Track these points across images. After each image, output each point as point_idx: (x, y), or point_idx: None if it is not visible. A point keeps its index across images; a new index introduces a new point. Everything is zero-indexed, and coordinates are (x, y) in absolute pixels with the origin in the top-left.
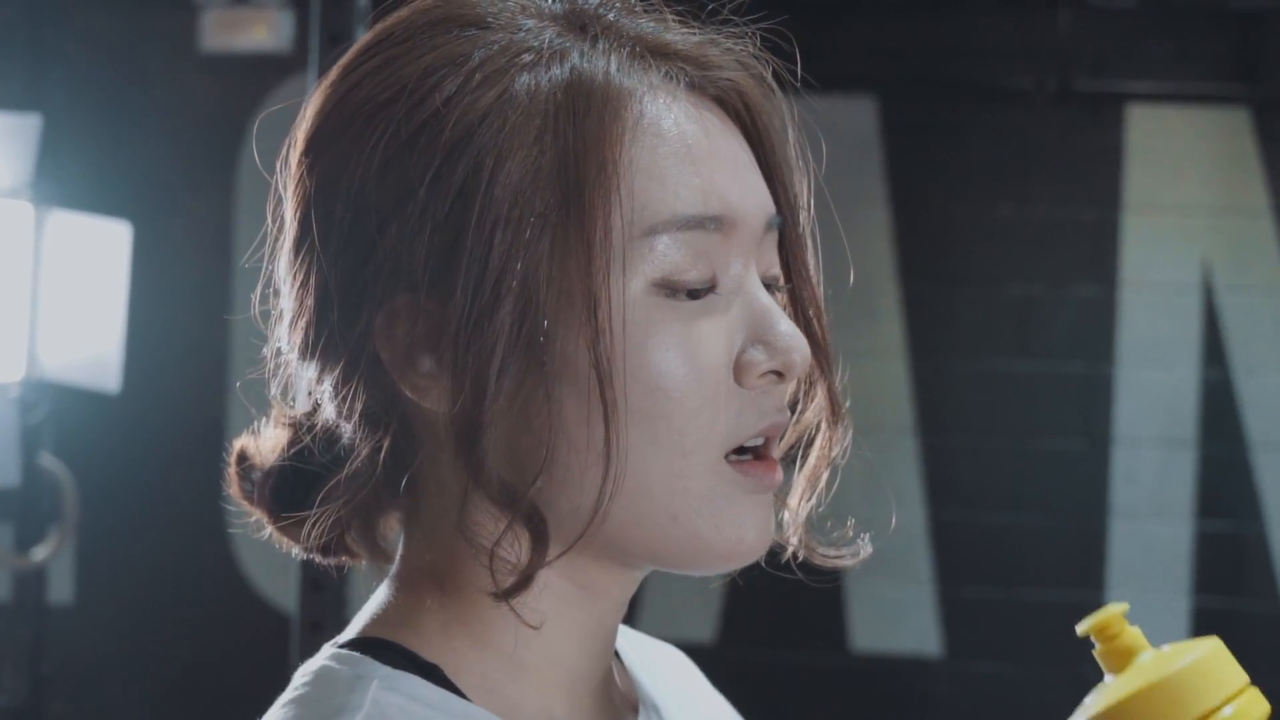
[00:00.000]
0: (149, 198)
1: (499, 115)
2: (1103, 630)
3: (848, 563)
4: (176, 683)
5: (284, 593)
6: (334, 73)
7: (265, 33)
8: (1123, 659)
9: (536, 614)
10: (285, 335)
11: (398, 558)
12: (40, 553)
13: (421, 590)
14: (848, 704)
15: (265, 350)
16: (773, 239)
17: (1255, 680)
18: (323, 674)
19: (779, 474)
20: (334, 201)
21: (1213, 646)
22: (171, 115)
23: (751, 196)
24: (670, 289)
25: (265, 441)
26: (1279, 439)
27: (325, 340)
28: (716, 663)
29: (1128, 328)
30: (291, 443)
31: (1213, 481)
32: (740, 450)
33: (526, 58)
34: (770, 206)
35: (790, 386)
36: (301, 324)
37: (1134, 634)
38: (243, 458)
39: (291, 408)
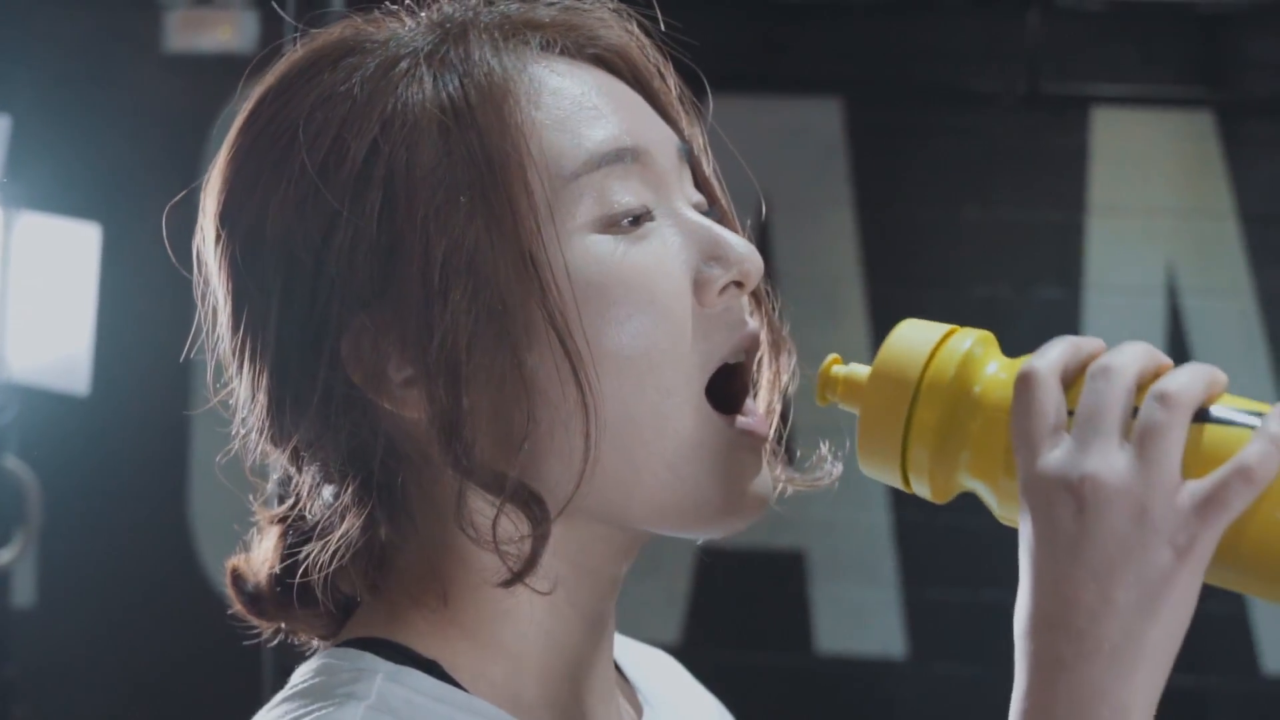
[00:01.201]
0: (118, 200)
1: (396, 122)
2: (826, 385)
3: (823, 483)
4: (139, 686)
5: None
6: (224, 150)
7: (230, 33)
8: (857, 391)
9: (547, 582)
10: (246, 411)
11: (382, 570)
12: (4, 556)
13: (413, 594)
14: (813, 705)
15: (232, 431)
16: (688, 171)
17: (1222, 685)
18: (325, 669)
19: (766, 424)
20: (263, 257)
21: (903, 321)
22: (138, 116)
23: (656, 129)
24: (608, 224)
25: (257, 554)
26: None
27: (293, 394)
28: (681, 664)
29: (1092, 330)
30: (283, 536)
31: None
32: (727, 407)
33: (405, 65)
34: (676, 139)
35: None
36: (264, 384)
37: (852, 368)
38: (237, 577)
39: (271, 506)
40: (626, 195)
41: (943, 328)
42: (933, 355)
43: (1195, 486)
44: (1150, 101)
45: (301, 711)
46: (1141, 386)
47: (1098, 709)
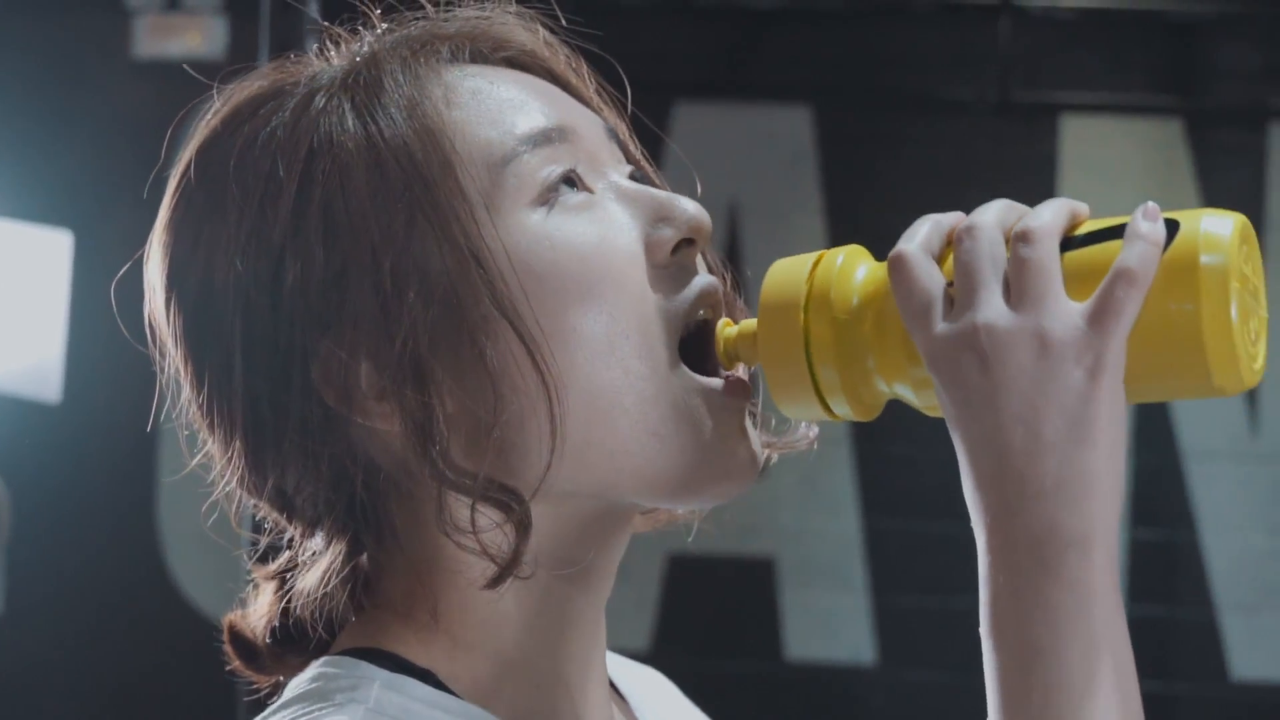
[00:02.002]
0: (89, 206)
1: (323, 150)
2: (725, 348)
3: (800, 446)
4: (108, 695)
5: (217, 604)
6: (160, 219)
7: (199, 39)
8: (752, 339)
9: (529, 567)
10: (224, 467)
11: (370, 591)
12: None
13: (403, 609)
14: (782, 712)
15: (212, 490)
16: (618, 150)
17: (1192, 691)
18: (322, 676)
19: (747, 384)
20: (218, 309)
21: (774, 262)
22: (108, 122)
23: (580, 112)
24: (547, 198)
25: (254, 611)
26: (1211, 448)
27: (271, 435)
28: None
29: None
30: (279, 590)
31: (1146, 490)
32: (704, 370)
33: (321, 98)
34: (601, 121)
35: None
36: (238, 433)
37: (742, 323)
38: (236, 634)
39: (266, 564)
40: (560, 167)
41: (813, 254)
42: (811, 276)
43: (1085, 305)
44: (1119, 109)
45: (301, 713)
46: (1009, 238)
47: (1057, 543)
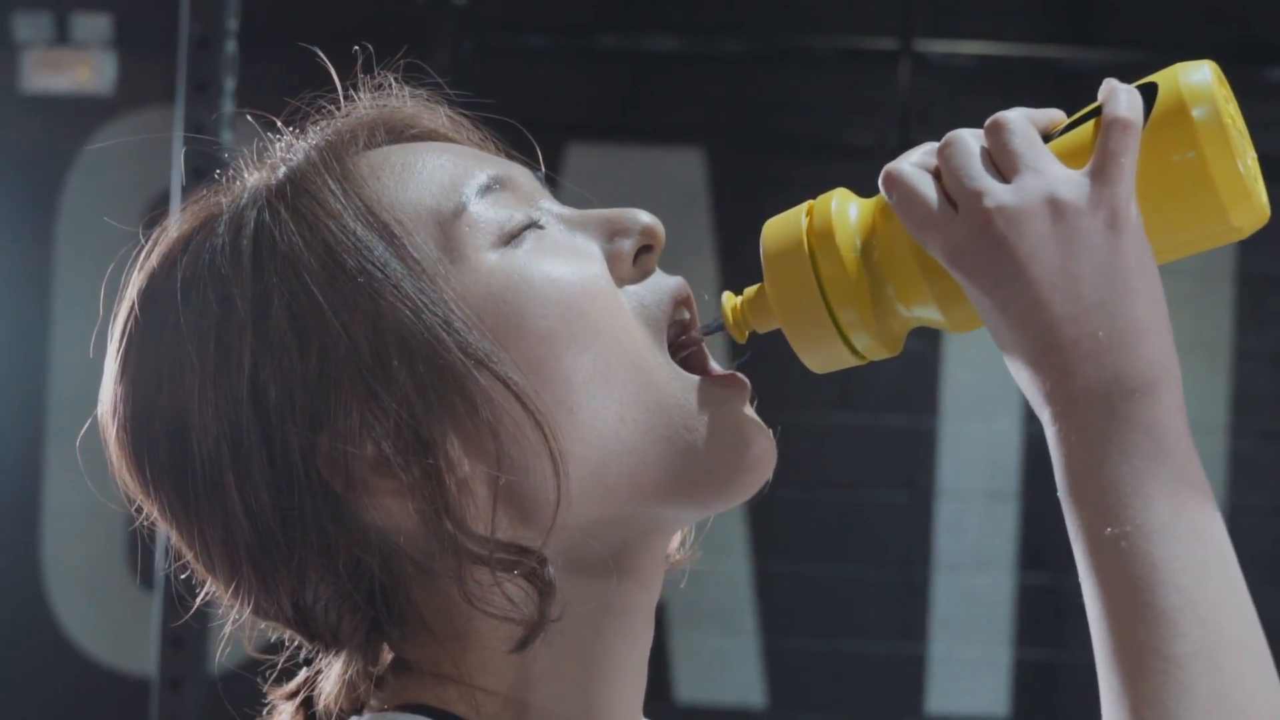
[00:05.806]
0: None
1: (268, 260)
2: (734, 316)
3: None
4: None
5: (101, 646)
6: (111, 391)
7: (88, 74)
8: (762, 300)
9: (557, 608)
10: (233, 602)
11: (390, 661)
12: None
13: (433, 674)
14: None
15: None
16: (548, 193)
17: None
18: None
19: (743, 377)
20: (196, 452)
21: (766, 222)
22: None
23: (507, 164)
24: (506, 239)
25: None
26: None
27: (280, 543)
28: None
29: (951, 381)
30: (299, 709)
31: (1034, 534)
32: (689, 364)
33: (253, 213)
34: (526, 169)
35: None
36: (244, 559)
37: (747, 289)
38: None
39: (283, 684)
40: (512, 211)
41: (803, 205)
42: (809, 220)
43: (1086, 166)
44: None
45: None
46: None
47: (1123, 391)
